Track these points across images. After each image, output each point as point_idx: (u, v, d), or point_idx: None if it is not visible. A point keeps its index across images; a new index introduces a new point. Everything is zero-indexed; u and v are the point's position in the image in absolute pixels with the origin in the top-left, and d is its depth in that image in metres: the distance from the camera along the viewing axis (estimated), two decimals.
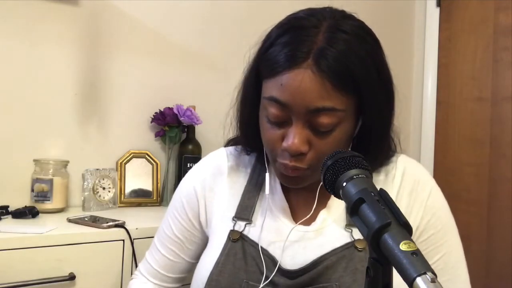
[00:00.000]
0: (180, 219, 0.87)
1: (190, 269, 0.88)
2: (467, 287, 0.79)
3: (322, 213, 0.78)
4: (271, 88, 0.70)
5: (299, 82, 0.66)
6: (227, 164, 0.86)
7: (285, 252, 0.74)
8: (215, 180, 0.85)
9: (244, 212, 0.80)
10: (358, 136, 0.77)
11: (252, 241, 0.76)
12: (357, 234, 0.74)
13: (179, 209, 0.88)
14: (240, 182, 0.84)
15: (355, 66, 0.67)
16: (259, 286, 0.72)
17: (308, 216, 0.77)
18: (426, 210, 0.77)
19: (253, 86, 0.77)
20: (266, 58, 0.72)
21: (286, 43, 0.69)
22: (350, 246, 0.73)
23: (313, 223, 0.77)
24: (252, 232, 0.78)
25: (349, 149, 0.75)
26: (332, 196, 0.76)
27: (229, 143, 0.92)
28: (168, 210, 0.91)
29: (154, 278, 0.90)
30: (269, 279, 0.72)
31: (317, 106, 0.66)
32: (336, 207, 0.78)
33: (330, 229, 0.76)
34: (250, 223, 0.78)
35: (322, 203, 0.78)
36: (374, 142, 0.76)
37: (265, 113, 0.73)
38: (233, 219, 0.80)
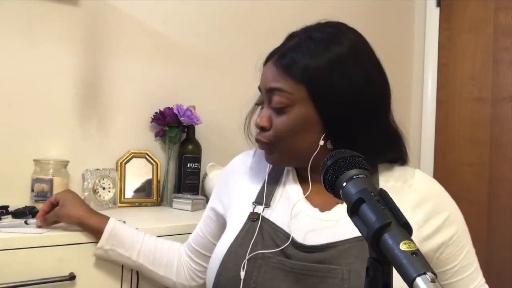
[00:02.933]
0: (211, 202, 1.03)
1: (211, 249, 0.97)
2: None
3: (338, 207, 0.83)
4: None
5: (264, 72, 0.87)
6: (253, 159, 0.99)
7: (300, 231, 0.81)
8: (241, 170, 0.98)
9: (263, 198, 0.88)
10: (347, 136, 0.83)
11: (270, 221, 0.84)
12: None
13: (213, 195, 1.03)
14: (261, 175, 0.94)
15: (306, 63, 0.81)
16: (275, 256, 0.79)
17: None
18: (449, 219, 0.84)
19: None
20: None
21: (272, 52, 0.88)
22: (363, 238, 0.75)
23: (327, 212, 0.83)
24: (269, 214, 0.86)
25: (322, 140, 0.82)
26: None
27: None
28: None
29: (187, 249, 1.05)
30: (281, 248, 0.79)
31: (269, 86, 0.84)
32: None
33: (345, 221, 0.79)
34: (268, 207, 0.87)
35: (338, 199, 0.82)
36: (357, 135, 0.82)
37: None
38: (253, 204, 0.88)
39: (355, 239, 0.77)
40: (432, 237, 0.82)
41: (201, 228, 1.03)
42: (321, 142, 0.82)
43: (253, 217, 0.85)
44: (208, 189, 1.55)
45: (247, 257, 0.79)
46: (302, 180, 0.90)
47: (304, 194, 0.86)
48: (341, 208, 0.83)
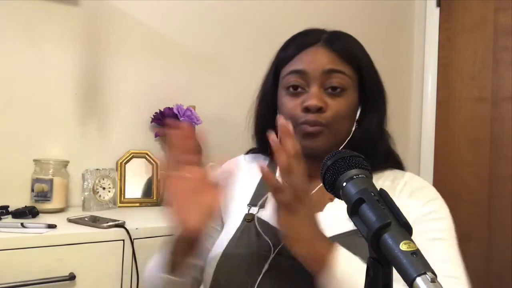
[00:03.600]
0: None
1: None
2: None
3: (329, 206, 0.85)
4: (290, 66, 0.88)
5: (314, 54, 0.87)
6: (244, 162, 0.99)
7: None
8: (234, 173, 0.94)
9: (258, 199, 0.88)
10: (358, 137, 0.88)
11: (265, 221, 0.84)
12: None
13: None
14: (255, 177, 0.93)
15: (356, 49, 0.89)
16: (269, 255, 0.79)
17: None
18: (436, 214, 0.82)
19: (271, 82, 0.92)
20: (283, 53, 0.91)
21: (299, 39, 0.90)
22: (353, 233, 0.78)
23: (320, 213, 0.83)
24: (264, 215, 0.85)
25: (353, 128, 0.88)
26: None
27: (248, 152, 1.02)
28: None
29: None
30: (277, 248, 0.78)
31: (330, 68, 0.85)
32: (341, 201, 0.82)
33: (335, 219, 0.81)
34: (263, 208, 0.87)
35: (329, 197, 0.85)
36: (373, 135, 0.88)
37: (284, 91, 0.88)
38: (248, 205, 0.89)
39: (345, 234, 0.78)
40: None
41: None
42: (353, 128, 0.89)
43: (248, 218, 0.85)
44: None
45: (265, 268, 0.78)
46: None
47: None
48: (332, 206, 0.84)
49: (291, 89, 0.87)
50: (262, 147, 0.96)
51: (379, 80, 0.92)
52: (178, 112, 1.50)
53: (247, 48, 1.75)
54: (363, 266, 0.68)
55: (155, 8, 1.56)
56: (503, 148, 1.97)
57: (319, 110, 0.83)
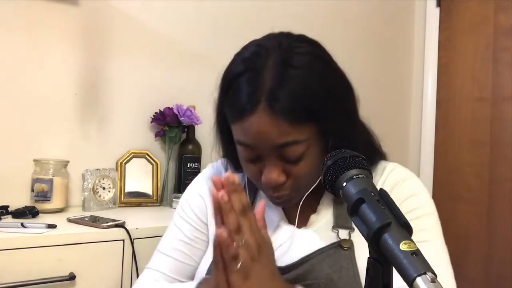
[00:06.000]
0: (189, 220, 0.89)
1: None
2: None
3: (312, 217, 0.82)
4: (237, 132, 0.75)
5: (257, 127, 0.71)
6: (224, 171, 0.90)
7: (276, 251, 0.75)
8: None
9: None
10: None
11: None
12: (343, 235, 0.77)
13: (187, 212, 0.90)
14: None
15: (307, 100, 0.71)
16: None
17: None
18: (405, 196, 0.78)
19: (224, 124, 0.81)
20: (227, 103, 0.78)
21: (239, 90, 0.74)
22: (336, 245, 0.76)
23: (303, 227, 0.81)
24: None
25: (325, 158, 0.76)
26: (321, 202, 0.82)
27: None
28: (173, 220, 0.92)
29: (165, 281, 0.88)
30: None
31: (280, 143, 0.71)
32: (325, 212, 0.82)
33: (319, 231, 0.80)
34: None
35: (312, 209, 0.83)
36: (351, 135, 0.77)
37: (240, 152, 0.78)
38: None
39: (328, 247, 0.75)
40: None
41: (187, 255, 0.88)
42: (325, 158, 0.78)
43: None
44: None
45: None
46: None
47: (283, 210, 0.83)
48: (316, 218, 0.81)
49: (243, 158, 0.77)
50: (235, 168, 0.86)
51: (341, 103, 0.76)
52: (178, 112, 1.50)
53: None
54: None
55: (155, 8, 1.56)
56: (503, 148, 1.97)
57: (280, 184, 0.74)
